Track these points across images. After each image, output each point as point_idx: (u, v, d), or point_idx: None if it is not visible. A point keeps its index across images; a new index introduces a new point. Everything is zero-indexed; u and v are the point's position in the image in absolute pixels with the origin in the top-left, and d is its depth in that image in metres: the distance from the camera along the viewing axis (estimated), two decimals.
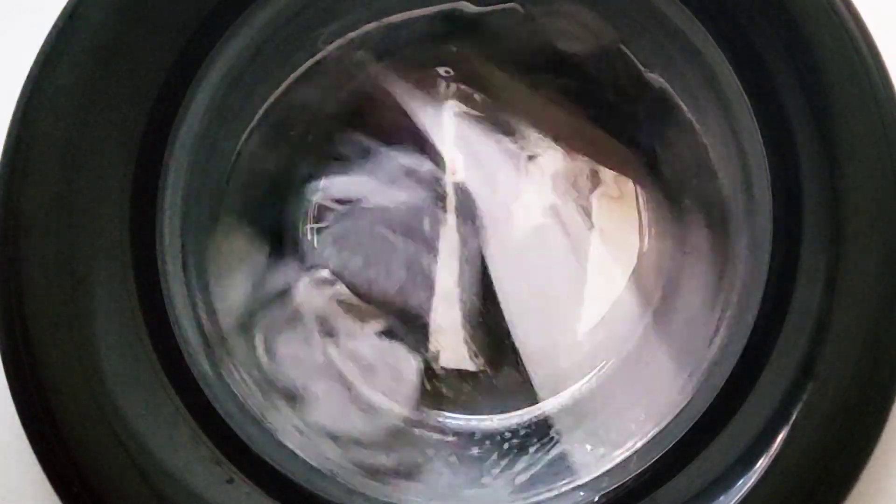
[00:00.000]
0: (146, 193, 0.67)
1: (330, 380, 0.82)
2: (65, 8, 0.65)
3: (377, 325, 0.85)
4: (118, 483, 0.63)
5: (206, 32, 0.68)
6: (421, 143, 0.86)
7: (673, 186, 0.84)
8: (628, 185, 0.87)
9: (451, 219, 0.87)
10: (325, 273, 0.85)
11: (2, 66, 0.70)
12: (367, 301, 0.85)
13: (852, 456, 0.63)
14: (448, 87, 0.87)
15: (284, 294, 0.84)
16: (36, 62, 0.64)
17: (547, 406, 0.82)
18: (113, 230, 0.65)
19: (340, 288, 0.85)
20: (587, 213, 0.88)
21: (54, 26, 0.65)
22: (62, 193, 0.64)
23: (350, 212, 0.86)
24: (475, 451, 0.81)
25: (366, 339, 0.84)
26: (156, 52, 0.65)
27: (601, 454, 0.75)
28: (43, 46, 0.64)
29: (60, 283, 0.63)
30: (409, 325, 0.85)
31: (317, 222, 0.87)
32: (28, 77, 0.64)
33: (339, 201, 0.86)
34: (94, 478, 0.63)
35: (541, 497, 0.71)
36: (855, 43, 0.64)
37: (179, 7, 0.66)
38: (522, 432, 0.81)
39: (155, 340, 0.65)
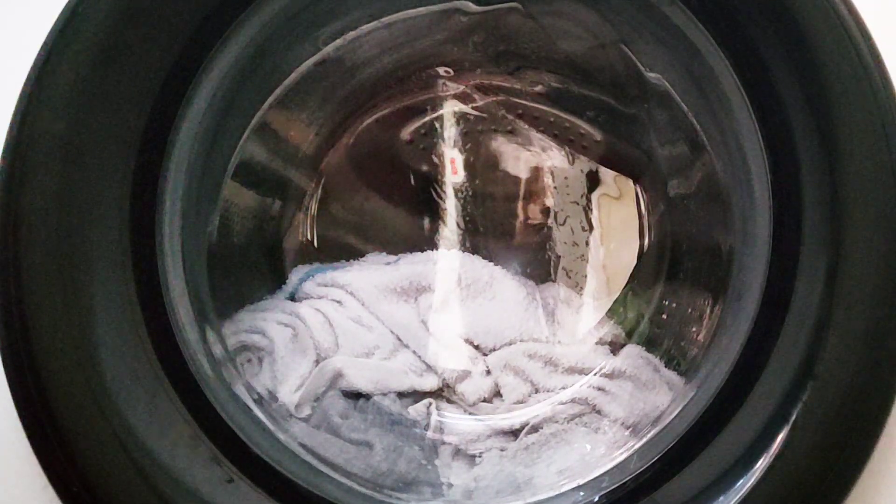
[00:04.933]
0: (146, 193, 0.67)
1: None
2: (65, 8, 0.65)
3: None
4: (118, 483, 0.63)
5: (206, 32, 0.68)
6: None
7: (673, 186, 0.85)
8: (628, 185, 0.87)
9: (450, 219, 0.87)
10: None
11: (2, 66, 0.70)
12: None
13: (852, 456, 0.63)
14: (448, 87, 0.87)
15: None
16: (36, 62, 0.64)
17: (547, 405, 0.82)
18: (113, 230, 0.65)
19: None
20: (587, 213, 0.88)
21: (54, 26, 0.65)
22: (62, 193, 0.64)
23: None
24: (475, 450, 0.80)
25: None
26: (156, 52, 0.65)
27: (601, 454, 0.75)
28: (43, 46, 0.64)
29: (60, 283, 0.63)
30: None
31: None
32: (28, 77, 0.64)
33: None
34: (94, 478, 0.63)
35: (541, 497, 0.71)
36: (855, 43, 0.64)
37: (179, 7, 0.66)
38: (523, 431, 0.81)
39: (155, 340, 0.65)
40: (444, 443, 0.80)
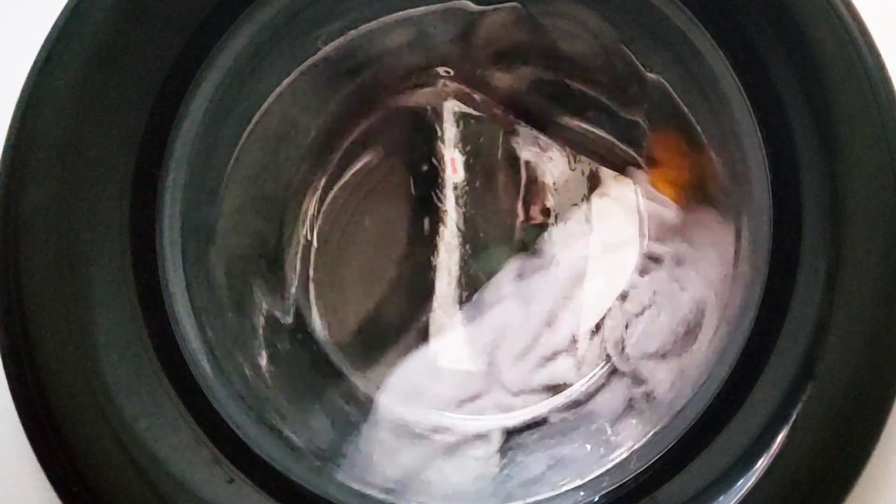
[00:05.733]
0: (146, 193, 0.67)
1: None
2: (65, 8, 0.65)
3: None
4: (118, 483, 0.63)
5: (206, 32, 0.68)
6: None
7: (672, 186, 0.84)
8: (628, 185, 0.87)
9: (450, 220, 0.87)
10: None
11: (2, 66, 0.70)
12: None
13: (852, 456, 0.63)
14: (448, 87, 0.87)
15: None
16: (36, 62, 0.64)
17: (547, 406, 0.82)
18: (113, 230, 0.65)
19: None
20: (587, 213, 0.88)
21: (54, 26, 0.65)
22: (62, 193, 0.64)
23: None
24: (476, 450, 0.80)
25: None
26: (156, 52, 0.65)
27: (601, 454, 0.75)
28: (43, 46, 0.64)
29: (60, 283, 0.63)
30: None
31: None
32: (28, 77, 0.64)
33: None
34: (94, 478, 0.63)
35: (541, 497, 0.71)
36: (855, 43, 0.64)
37: (179, 7, 0.66)
38: (523, 432, 0.81)
39: (155, 340, 0.65)
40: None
